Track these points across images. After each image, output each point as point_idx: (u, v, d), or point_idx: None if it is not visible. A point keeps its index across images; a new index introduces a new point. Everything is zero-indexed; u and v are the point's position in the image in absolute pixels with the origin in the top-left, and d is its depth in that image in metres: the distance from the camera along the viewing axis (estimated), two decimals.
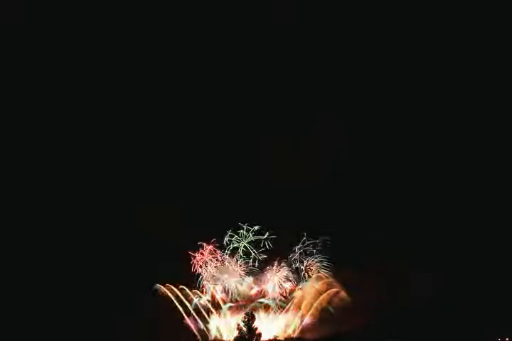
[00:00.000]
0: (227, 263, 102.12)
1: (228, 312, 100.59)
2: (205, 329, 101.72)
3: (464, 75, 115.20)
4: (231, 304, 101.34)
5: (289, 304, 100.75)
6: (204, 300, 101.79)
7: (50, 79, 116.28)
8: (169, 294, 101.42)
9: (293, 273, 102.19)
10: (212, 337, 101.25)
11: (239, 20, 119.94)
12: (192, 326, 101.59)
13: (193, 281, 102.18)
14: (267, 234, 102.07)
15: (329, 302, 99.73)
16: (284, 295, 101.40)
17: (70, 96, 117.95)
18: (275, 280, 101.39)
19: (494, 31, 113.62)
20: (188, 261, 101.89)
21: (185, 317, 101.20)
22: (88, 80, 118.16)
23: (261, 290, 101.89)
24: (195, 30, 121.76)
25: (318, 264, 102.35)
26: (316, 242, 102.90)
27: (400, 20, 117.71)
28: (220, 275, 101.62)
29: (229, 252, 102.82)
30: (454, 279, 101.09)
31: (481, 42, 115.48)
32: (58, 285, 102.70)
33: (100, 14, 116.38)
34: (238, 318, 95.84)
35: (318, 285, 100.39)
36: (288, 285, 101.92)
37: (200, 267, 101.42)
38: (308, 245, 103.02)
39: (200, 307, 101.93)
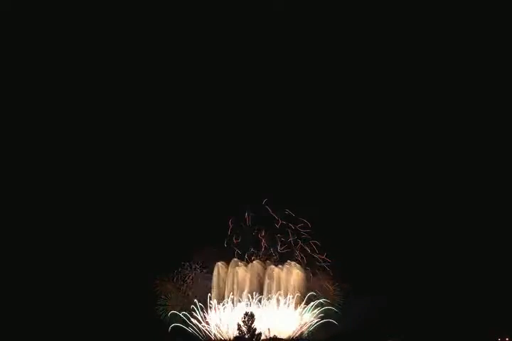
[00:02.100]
0: None
1: None
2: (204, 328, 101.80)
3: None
4: None
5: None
6: None
7: (41, 71, 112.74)
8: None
9: None
10: (213, 337, 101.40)
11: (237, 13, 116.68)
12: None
13: None
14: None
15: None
16: None
17: (62, 90, 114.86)
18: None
19: (494, 31, 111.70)
20: None
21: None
22: (82, 72, 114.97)
23: None
24: (192, 24, 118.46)
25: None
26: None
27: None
28: None
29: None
30: (454, 279, 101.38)
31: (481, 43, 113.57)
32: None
33: (94, 3, 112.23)
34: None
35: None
36: None
37: None
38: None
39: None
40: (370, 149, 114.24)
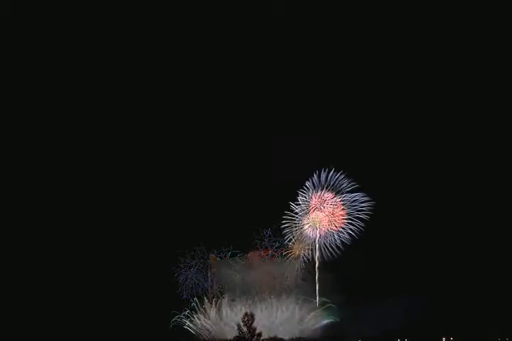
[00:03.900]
0: None
1: None
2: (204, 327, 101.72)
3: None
4: None
5: None
6: None
7: (40, 74, 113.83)
8: None
9: None
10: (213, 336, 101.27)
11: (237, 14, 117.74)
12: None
13: None
14: None
15: None
16: None
17: (62, 92, 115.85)
18: None
19: (493, 31, 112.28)
20: None
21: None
22: (81, 75, 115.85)
23: None
24: (195, 26, 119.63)
25: None
26: None
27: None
28: None
29: None
30: (455, 282, 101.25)
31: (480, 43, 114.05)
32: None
33: (93, 6, 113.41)
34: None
35: None
36: None
37: None
38: None
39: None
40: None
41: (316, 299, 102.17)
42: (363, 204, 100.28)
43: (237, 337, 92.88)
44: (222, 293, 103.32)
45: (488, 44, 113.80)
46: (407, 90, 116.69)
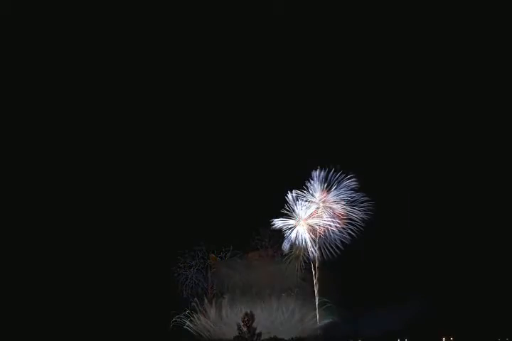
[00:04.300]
0: None
1: None
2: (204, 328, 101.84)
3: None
4: None
5: None
6: None
7: (41, 75, 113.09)
8: None
9: None
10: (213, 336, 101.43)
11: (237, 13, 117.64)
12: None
13: None
14: None
15: None
16: None
17: (62, 93, 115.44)
18: None
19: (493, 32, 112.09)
20: None
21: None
22: (81, 75, 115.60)
23: None
24: (194, 26, 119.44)
25: None
26: None
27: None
28: None
29: None
30: (455, 280, 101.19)
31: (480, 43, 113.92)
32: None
33: (93, 6, 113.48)
34: None
35: None
36: None
37: None
38: None
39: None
40: None
41: (315, 299, 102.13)
42: (363, 204, 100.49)
43: (236, 337, 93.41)
44: (222, 293, 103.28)
45: (488, 44, 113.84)
46: (407, 89, 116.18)
